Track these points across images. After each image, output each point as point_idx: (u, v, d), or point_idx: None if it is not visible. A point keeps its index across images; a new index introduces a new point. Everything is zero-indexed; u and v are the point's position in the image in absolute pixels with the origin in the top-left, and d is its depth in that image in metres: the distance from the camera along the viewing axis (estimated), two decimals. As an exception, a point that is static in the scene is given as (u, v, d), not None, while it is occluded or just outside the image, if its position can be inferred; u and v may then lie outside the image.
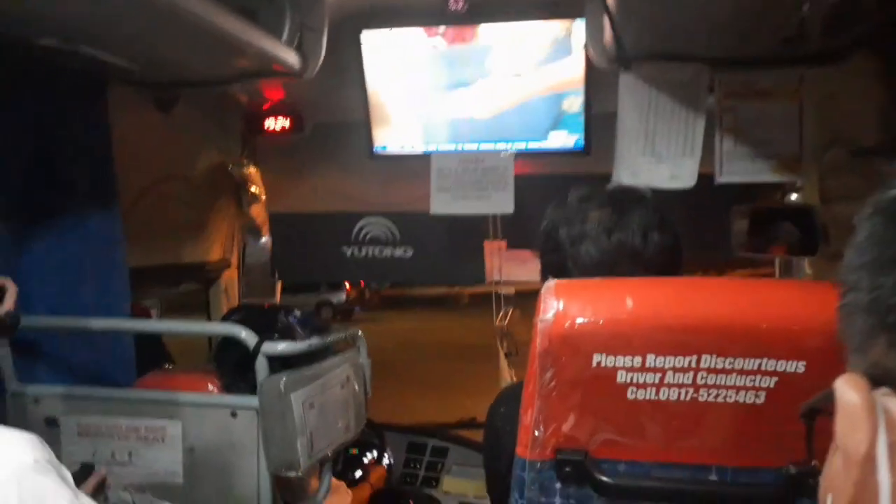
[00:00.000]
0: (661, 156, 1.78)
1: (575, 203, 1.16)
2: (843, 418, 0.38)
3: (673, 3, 1.38)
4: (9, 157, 1.56)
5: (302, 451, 1.53)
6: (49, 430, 1.56)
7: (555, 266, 1.15)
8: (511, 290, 2.54)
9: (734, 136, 1.79)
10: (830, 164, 1.91)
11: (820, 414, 0.40)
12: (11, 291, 1.37)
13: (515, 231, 2.36)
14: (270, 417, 1.51)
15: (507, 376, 2.48)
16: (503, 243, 2.48)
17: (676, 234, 1.15)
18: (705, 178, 1.83)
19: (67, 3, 1.31)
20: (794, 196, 2.29)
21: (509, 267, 2.46)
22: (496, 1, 2.01)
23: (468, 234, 2.44)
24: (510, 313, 2.53)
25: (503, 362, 2.52)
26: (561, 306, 0.87)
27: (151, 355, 1.88)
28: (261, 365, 1.51)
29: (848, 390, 0.38)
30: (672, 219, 1.16)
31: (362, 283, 16.71)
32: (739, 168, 1.80)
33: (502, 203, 2.17)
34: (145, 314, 2.02)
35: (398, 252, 2.52)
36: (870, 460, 0.36)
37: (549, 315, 0.87)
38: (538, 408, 0.89)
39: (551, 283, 0.90)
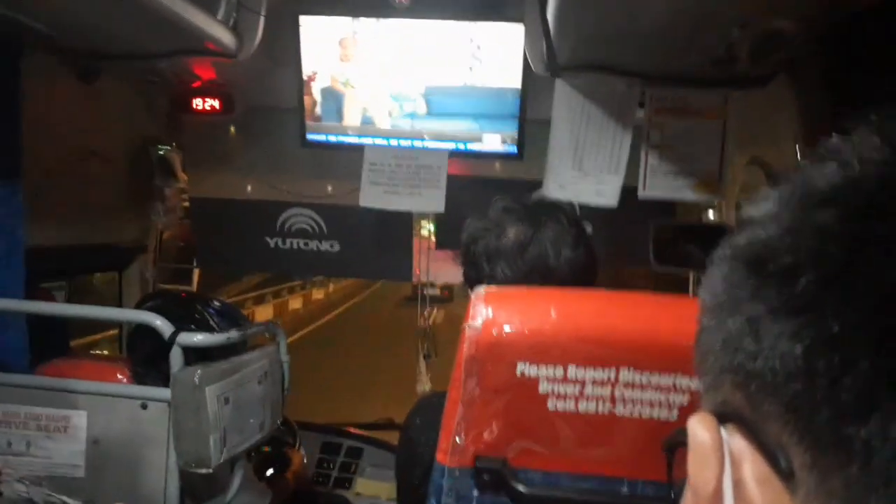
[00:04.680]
0: (588, 170, 1.81)
1: (496, 216, 1.19)
2: (694, 457, 0.40)
3: (608, 17, 1.41)
4: None
5: (214, 447, 1.48)
6: (-61, 417, 1.46)
7: (472, 279, 1.18)
8: (436, 291, 2.54)
9: (660, 151, 1.85)
10: (746, 184, 2.00)
11: (681, 447, 0.42)
12: None
13: (445, 231, 2.36)
14: (183, 411, 1.46)
15: (425, 378, 2.48)
16: (432, 242, 2.48)
17: (591, 250, 1.19)
18: (633, 192, 1.88)
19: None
20: (710, 213, 2.39)
21: (437, 267, 2.46)
22: (440, -1, 2.00)
23: (397, 231, 2.43)
24: (433, 313, 2.53)
25: (421, 364, 2.52)
26: (490, 314, 0.87)
27: (53, 343, 1.78)
28: (175, 356, 1.46)
29: (700, 429, 0.40)
30: (587, 234, 1.20)
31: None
32: (662, 184, 1.86)
33: (434, 201, 2.17)
34: (48, 298, 1.90)
35: (324, 246, 2.47)
36: (717, 497, 0.38)
37: (478, 322, 0.87)
38: (461, 414, 0.89)
39: (481, 289, 0.90)
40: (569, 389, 0.88)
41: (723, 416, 0.39)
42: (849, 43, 1.43)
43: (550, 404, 0.89)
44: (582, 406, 0.89)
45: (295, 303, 16.50)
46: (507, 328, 0.87)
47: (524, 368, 0.87)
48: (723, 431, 0.39)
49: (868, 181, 0.34)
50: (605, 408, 0.89)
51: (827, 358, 0.32)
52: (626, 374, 0.87)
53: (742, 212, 0.41)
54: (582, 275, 1.16)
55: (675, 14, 1.33)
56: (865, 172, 0.34)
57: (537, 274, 1.13)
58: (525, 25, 1.93)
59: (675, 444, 0.45)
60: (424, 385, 2.80)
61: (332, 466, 2.46)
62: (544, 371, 0.87)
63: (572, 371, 0.87)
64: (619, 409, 0.89)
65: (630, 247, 2.31)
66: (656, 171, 1.86)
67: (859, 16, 1.30)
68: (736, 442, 0.38)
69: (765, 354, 0.35)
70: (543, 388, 0.88)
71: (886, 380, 0.30)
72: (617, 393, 0.88)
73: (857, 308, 0.31)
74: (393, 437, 2.46)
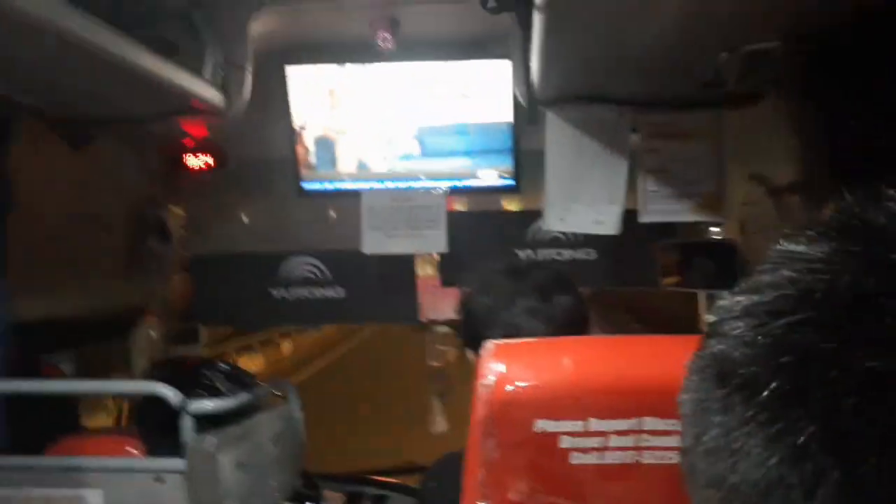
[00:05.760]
0: (585, 201, 1.80)
1: (484, 275, 1.30)
2: None
3: (591, 48, 1.41)
4: None
5: (233, 514, 1.45)
6: (-49, 508, 1.43)
7: (470, 332, 1.27)
8: (446, 329, 2.51)
9: (656, 176, 1.84)
10: (747, 199, 1.99)
11: None
12: None
13: (450, 267, 2.34)
14: (199, 481, 1.43)
15: (440, 419, 2.46)
16: (437, 280, 2.46)
17: (576, 293, 1.27)
18: (631, 214, 1.87)
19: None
20: (715, 229, 2.37)
21: (444, 304, 2.44)
22: (425, 40, 2.01)
23: (400, 272, 2.41)
24: (445, 353, 2.51)
25: (435, 404, 2.49)
26: (502, 369, 0.86)
27: (62, 421, 1.75)
28: (187, 425, 1.43)
29: None
30: (570, 279, 1.30)
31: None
32: (662, 207, 1.85)
33: (435, 241, 2.15)
34: (56, 373, 1.87)
35: (329, 292, 2.45)
36: None
37: (491, 379, 0.85)
38: (482, 477, 0.87)
39: (491, 345, 0.89)
40: (591, 442, 0.86)
41: None
42: (831, 57, 1.43)
43: (573, 459, 0.87)
44: (607, 458, 0.87)
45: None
46: (520, 383, 0.85)
47: (543, 425, 0.85)
48: None
49: (816, 293, 0.35)
50: (631, 457, 0.87)
51: (799, 469, 0.32)
52: (649, 423, 0.85)
53: (709, 318, 0.42)
54: (571, 316, 1.23)
55: (658, 41, 1.33)
56: (814, 284, 0.35)
57: (526, 315, 1.20)
58: (512, 61, 1.93)
59: None
60: (440, 426, 2.75)
61: None
62: (564, 426, 0.85)
63: (594, 424, 0.85)
64: (646, 458, 0.87)
65: (637, 268, 2.29)
66: (655, 195, 1.85)
67: (839, 31, 1.31)
68: None
69: (742, 468, 0.35)
70: (564, 443, 0.86)
71: (856, 489, 0.30)
72: (642, 442, 0.86)
73: (819, 418, 0.32)
74: (415, 481, 2.42)
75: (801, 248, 0.38)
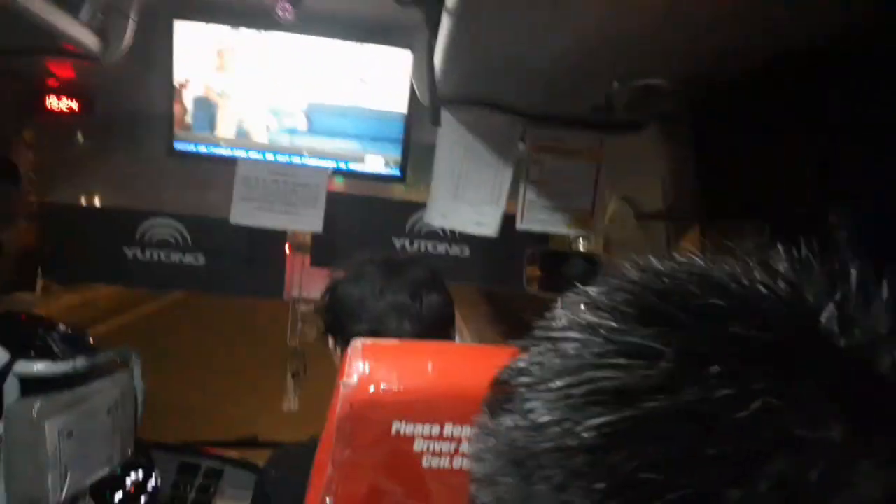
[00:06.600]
0: (469, 201, 1.83)
1: (357, 264, 1.27)
2: None
3: (494, 58, 1.43)
4: None
5: (52, 486, 1.35)
6: None
7: (333, 319, 1.24)
8: (310, 308, 2.46)
9: (538, 186, 1.89)
10: (614, 218, 2.10)
11: None
12: None
13: (323, 248, 2.30)
14: (18, 447, 1.32)
15: (292, 397, 2.41)
16: (307, 258, 2.40)
17: (446, 293, 1.27)
18: (511, 220, 1.91)
19: None
20: (581, 241, 2.48)
21: (312, 284, 2.39)
22: (327, 16, 1.94)
23: (269, 246, 2.33)
24: (305, 333, 2.46)
25: (289, 382, 2.44)
26: (367, 370, 0.84)
27: None
28: (11, 386, 1.32)
29: None
30: (442, 279, 1.29)
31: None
32: (539, 218, 1.91)
33: (311, 220, 2.10)
34: None
35: (188, 258, 2.32)
36: None
37: (354, 379, 0.84)
38: (331, 474, 0.85)
39: (358, 343, 0.87)
40: (445, 447, 0.86)
41: None
42: (713, 102, 1.54)
43: (425, 462, 0.87)
44: (456, 463, 0.87)
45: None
46: (384, 385, 0.84)
47: (400, 427, 0.85)
48: None
49: (629, 394, 0.30)
50: (480, 465, 0.88)
51: None
52: (501, 433, 0.86)
53: (509, 374, 0.38)
54: (438, 314, 1.23)
55: (558, 61, 1.36)
56: (628, 381, 0.30)
57: (393, 312, 1.18)
58: (413, 53, 1.92)
59: None
60: (291, 405, 2.70)
61: (188, 489, 2.31)
62: (420, 429, 0.85)
63: (449, 429, 0.85)
64: (494, 467, 0.88)
65: (506, 271, 2.35)
66: (534, 205, 1.91)
67: (723, 82, 1.41)
68: None
69: None
70: (419, 446, 0.86)
71: None
72: (492, 451, 0.87)
73: None
74: (256, 456, 2.36)
75: (607, 320, 0.33)
